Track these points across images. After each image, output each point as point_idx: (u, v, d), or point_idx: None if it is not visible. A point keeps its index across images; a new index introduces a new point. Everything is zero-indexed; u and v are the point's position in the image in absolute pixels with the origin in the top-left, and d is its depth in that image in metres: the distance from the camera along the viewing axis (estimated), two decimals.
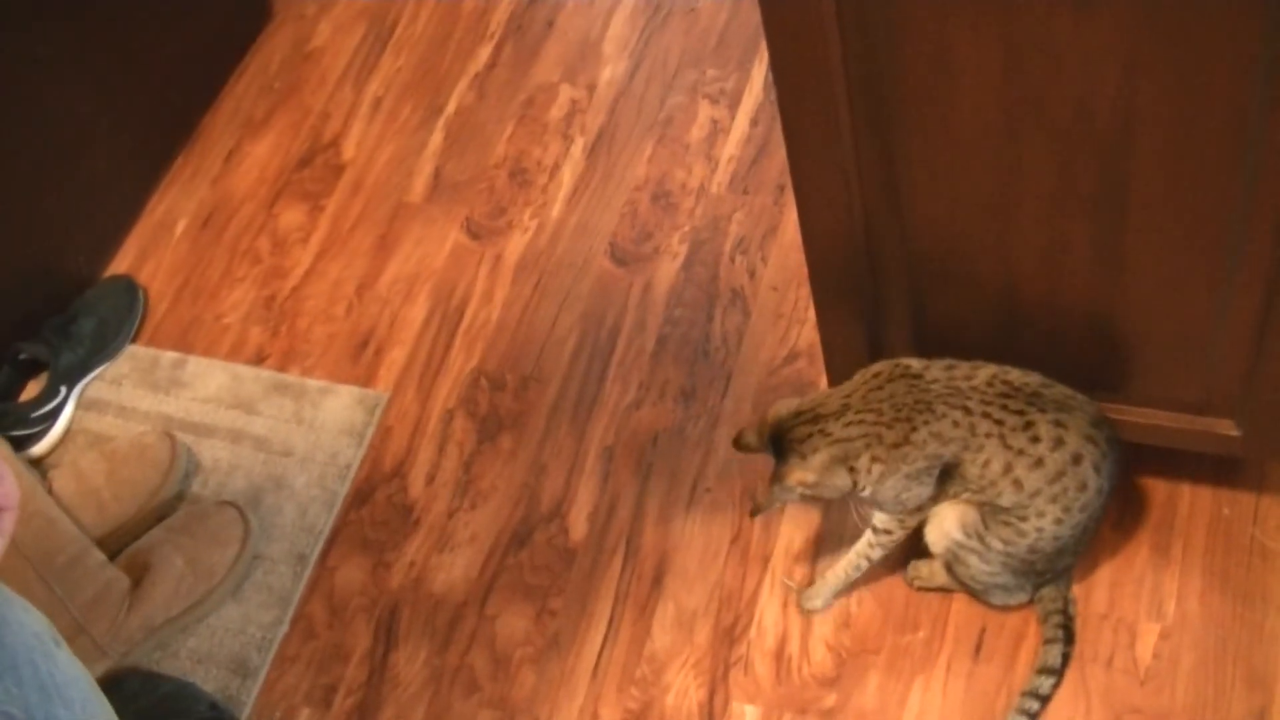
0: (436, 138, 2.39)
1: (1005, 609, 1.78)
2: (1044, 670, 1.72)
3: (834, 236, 1.57)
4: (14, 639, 1.15)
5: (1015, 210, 1.48)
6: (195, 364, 2.19)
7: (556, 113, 2.38)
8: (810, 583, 1.84)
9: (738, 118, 2.32)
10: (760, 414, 1.68)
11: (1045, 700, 1.71)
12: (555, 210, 2.27)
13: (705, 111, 2.34)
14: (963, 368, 1.61)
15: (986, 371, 1.61)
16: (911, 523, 1.70)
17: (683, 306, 2.13)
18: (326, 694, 1.87)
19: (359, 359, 2.16)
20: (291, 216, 2.34)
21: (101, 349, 2.19)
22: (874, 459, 1.60)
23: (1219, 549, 1.79)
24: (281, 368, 2.17)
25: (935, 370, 1.61)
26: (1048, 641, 1.73)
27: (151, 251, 2.34)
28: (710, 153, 2.28)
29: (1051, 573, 1.72)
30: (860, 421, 1.59)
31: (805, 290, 2.02)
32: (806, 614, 1.83)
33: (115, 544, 1.95)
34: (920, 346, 1.69)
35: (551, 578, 1.92)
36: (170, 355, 2.21)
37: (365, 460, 2.06)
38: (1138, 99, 1.31)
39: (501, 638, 1.88)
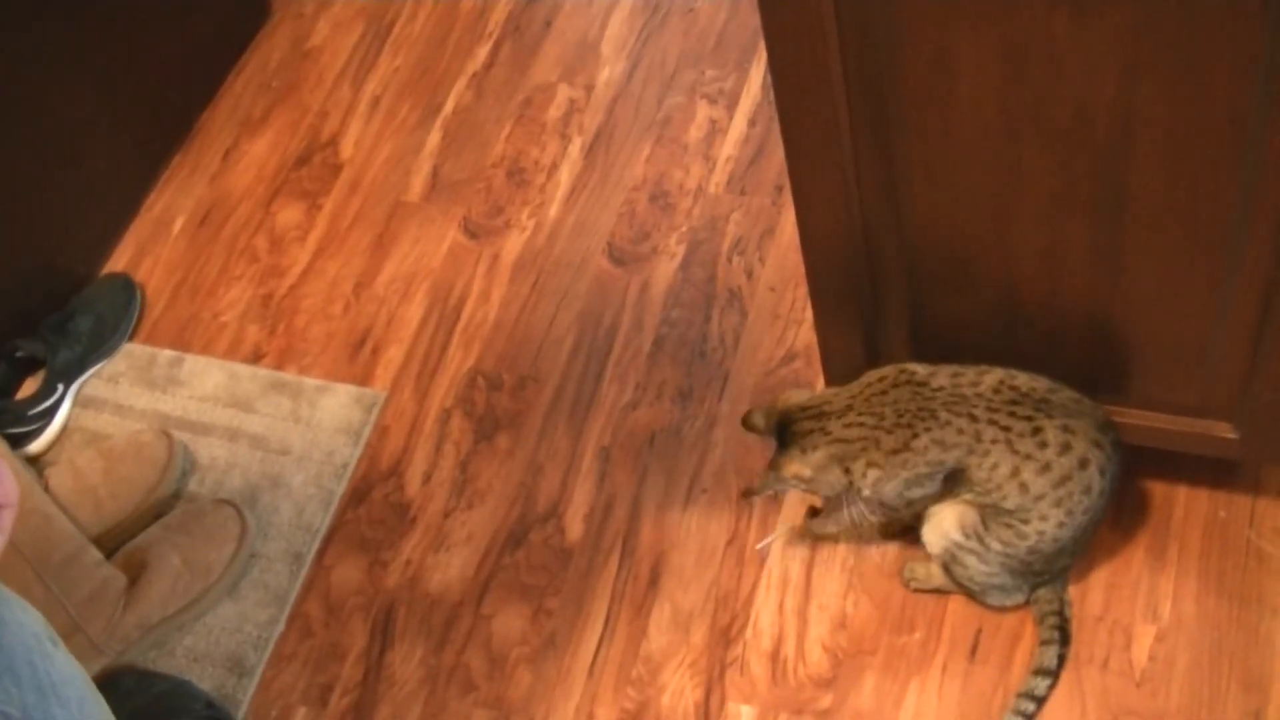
0: (434, 137, 2.39)
1: (1001, 610, 1.78)
2: (1040, 672, 1.72)
3: (832, 237, 1.57)
4: (12, 639, 1.15)
5: (1014, 212, 1.48)
6: (192, 362, 2.19)
7: (554, 113, 2.38)
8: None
9: (736, 118, 2.32)
10: (772, 398, 1.69)
11: (1041, 701, 1.71)
12: (553, 210, 2.27)
13: (703, 112, 2.34)
14: (968, 373, 1.61)
15: (993, 377, 1.61)
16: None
17: (680, 307, 2.13)
18: (322, 693, 1.87)
19: (356, 358, 2.16)
20: (289, 215, 2.34)
21: (99, 347, 2.19)
22: (870, 464, 1.60)
23: (1215, 551, 1.80)
24: (278, 366, 2.17)
25: (941, 377, 1.61)
26: (1044, 643, 1.73)
27: (149, 249, 2.34)
28: (708, 153, 2.28)
29: (1049, 574, 1.72)
30: (861, 424, 1.59)
31: (803, 291, 2.02)
32: (813, 537, 1.85)
33: (112, 542, 1.95)
34: (919, 347, 1.69)
35: (548, 578, 1.92)
36: (167, 353, 2.21)
37: (362, 459, 2.06)
38: (1137, 100, 1.31)
39: (497, 637, 1.88)
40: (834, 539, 1.86)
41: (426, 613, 1.91)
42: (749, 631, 1.84)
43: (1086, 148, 1.38)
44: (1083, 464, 1.59)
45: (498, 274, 2.21)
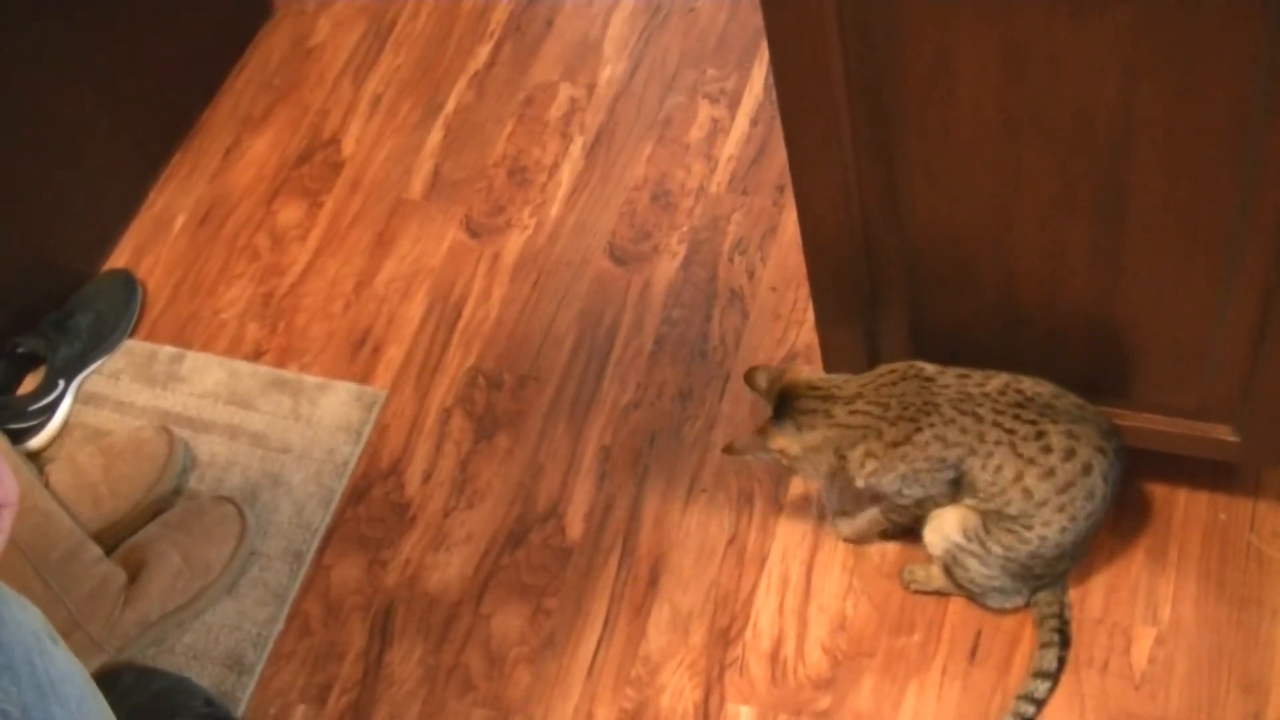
0: (435, 136, 2.39)
1: (1001, 612, 1.78)
2: (1039, 674, 1.71)
3: (833, 237, 1.57)
4: (11, 637, 1.15)
5: (1014, 213, 1.48)
6: (193, 359, 2.19)
7: (556, 112, 2.38)
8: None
9: (737, 118, 2.32)
10: (781, 366, 1.69)
11: (1040, 704, 1.71)
12: (554, 209, 2.27)
13: (705, 111, 2.34)
14: (975, 375, 1.62)
15: (999, 380, 1.61)
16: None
17: (681, 306, 2.13)
18: (321, 691, 1.87)
19: (356, 356, 2.16)
20: (290, 213, 2.34)
21: (99, 343, 2.19)
22: (868, 454, 1.60)
23: (1215, 554, 1.79)
24: (279, 364, 2.17)
25: (948, 376, 1.61)
26: (1043, 645, 1.73)
27: (150, 247, 2.34)
28: (709, 153, 2.28)
29: (1049, 577, 1.72)
30: (865, 413, 1.60)
31: (804, 291, 2.02)
32: (839, 536, 1.86)
33: (111, 539, 1.95)
34: (919, 347, 1.69)
35: (547, 577, 1.92)
36: (168, 350, 2.21)
37: (362, 457, 2.06)
38: (1137, 101, 1.31)
39: (497, 637, 1.88)
40: (867, 540, 1.85)
41: (426, 612, 1.91)
42: (748, 632, 1.84)
43: (1087, 148, 1.38)
44: (1086, 470, 1.59)
45: (498, 273, 2.21)
